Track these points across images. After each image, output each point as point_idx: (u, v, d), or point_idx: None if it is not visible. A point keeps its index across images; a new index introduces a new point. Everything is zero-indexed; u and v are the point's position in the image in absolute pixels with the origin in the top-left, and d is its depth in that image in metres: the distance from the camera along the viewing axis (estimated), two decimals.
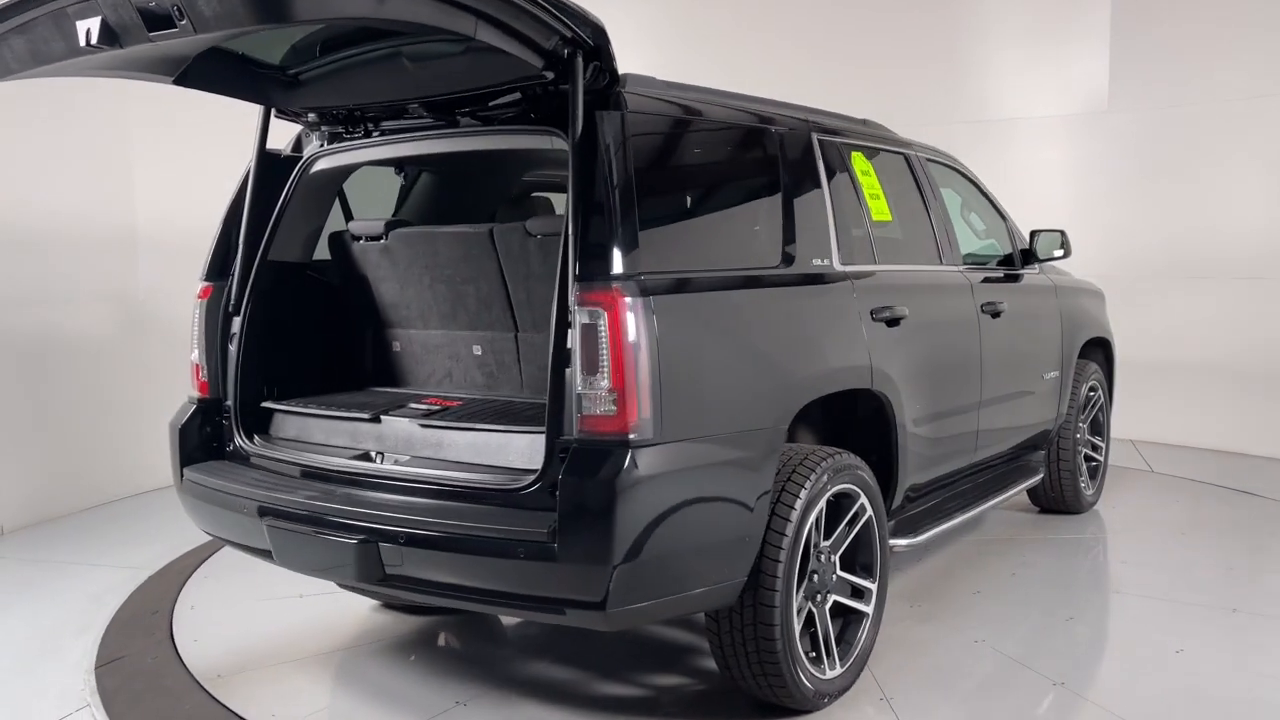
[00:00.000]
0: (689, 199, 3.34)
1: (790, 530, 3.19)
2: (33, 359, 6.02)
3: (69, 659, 4.02)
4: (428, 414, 3.52)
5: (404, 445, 3.49)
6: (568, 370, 2.87)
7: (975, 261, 4.89)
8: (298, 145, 3.93)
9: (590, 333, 2.82)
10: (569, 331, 2.87)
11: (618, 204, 2.90)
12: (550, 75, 2.96)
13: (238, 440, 3.69)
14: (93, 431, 6.36)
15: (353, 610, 4.45)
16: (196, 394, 3.78)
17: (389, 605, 4.47)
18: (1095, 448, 5.92)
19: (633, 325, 2.81)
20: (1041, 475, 5.36)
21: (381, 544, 3.01)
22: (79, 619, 4.44)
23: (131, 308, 6.58)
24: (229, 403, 3.73)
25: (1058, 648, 3.98)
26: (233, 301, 3.75)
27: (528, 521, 2.84)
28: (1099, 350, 5.96)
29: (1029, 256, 5.18)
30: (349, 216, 4.15)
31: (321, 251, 4.10)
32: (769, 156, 3.56)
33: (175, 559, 5.21)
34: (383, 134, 3.64)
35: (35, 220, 6.01)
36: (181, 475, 3.68)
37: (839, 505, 3.48)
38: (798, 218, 3.55)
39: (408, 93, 3.37)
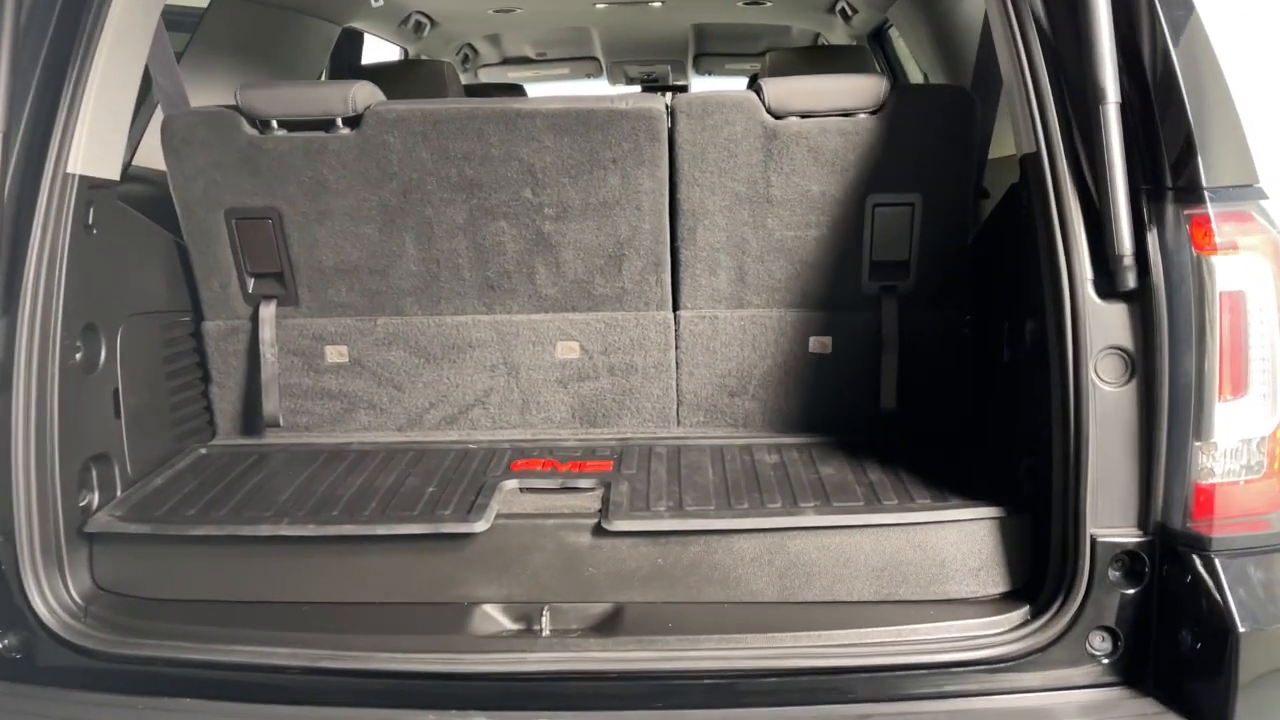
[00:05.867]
0: None
1: None
2: None
3: None
4: (599, 500, 1.87)
5: (583, 584, 1.82)
6: (1113, 390, 1.56)
7: None
8: None
9: (1238, 308, 1.46)
10: (1171, 302, 1.52)
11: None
12: None
13: (57, 625, 1.78)
14: None
15: None
16: None
17: None
18: None
19: None
20: None
21: None
22: None
23: None
24: (16, 535, 1.79)
25: None
26: (3, 278, 1.80)
27: None
28: None
29: None
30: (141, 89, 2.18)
31: (151, 158, 2.22)
32: None
33: None
34: None
35: None
36: None
37: None
38: None
39: None
